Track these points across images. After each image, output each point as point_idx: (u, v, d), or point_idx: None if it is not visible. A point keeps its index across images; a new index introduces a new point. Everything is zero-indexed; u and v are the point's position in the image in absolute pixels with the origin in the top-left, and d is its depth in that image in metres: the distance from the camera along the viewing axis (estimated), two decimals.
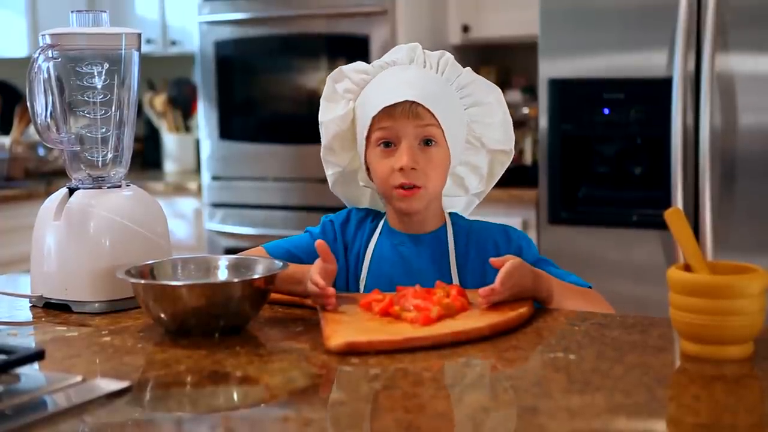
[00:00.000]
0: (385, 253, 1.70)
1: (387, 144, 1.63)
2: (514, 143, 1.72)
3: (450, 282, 1.65)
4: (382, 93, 1.63)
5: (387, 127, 1.61)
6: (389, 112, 1.60)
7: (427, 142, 1.62)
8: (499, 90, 1.71)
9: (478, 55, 3.90)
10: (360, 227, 1.74)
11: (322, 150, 1.73)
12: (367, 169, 1.69)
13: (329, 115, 1.70)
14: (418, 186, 1.61)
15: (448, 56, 1.69)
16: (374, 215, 1.76)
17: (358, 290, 1.69)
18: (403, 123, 1.61)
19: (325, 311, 1.48)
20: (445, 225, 1.71)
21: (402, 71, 1.66)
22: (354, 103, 1.69)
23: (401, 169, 1.60)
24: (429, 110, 1.60)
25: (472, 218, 1.78)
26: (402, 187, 1.61)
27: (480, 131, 1.68)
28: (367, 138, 1.64)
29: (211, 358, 1.33)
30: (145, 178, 4.19)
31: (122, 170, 1.73)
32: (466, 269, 1.67)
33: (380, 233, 1.72)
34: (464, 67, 1.71)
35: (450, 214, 1.74)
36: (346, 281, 1.72)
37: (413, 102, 1.60)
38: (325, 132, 1.71)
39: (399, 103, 1.60)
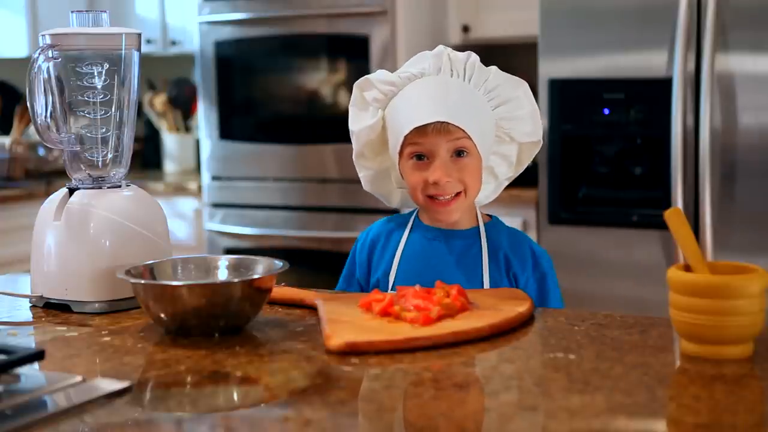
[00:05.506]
0: (417, 247, 1.74)
1: (420, 157, 1.66)
2: (542, 133, 1.74)
3: (479, 280, 1.69)
4: (413, 111, 1.65)
5: (419, 143, 1.65)
6: (421, 129, 1.64)
7: (459, 153, 1.66)
8: (526, 83, 1.73)
9: (478, 55, 3.89)
10: (389, 236, 1.78)
11: (354, 156, 1.77)
12: (401, 175, 1.72)
13: (359, 125, 1.73)
14: (457, 193, 1.66)
15: (474, 59, 1.71)
16: (402, 220, 1.80)
17: (387, 284, 1.72)
18: (434, 139, 1.64)
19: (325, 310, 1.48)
20: (478, 226, 1.74)
21: (430, 86, 1.68)
22: (383, 111, 1.71)
23: (435, 183, 1.64)
24: (459, 126, 1.63)
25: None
26: (437, 197, 1.66)
27: (509, 127, 1.71)
28: (400, 152, 1.67)
29: (211, 358, 1.33)
30: (145, 178, 4.19)
31: (122, 170, 1.73)
32: (497, 271, 1.70)
33: (411, 229, 1.76)
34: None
35: (488, 215, 1.79)
36: (367, 277, 1.78)
37: (443, 121, 1.63)
38: (356, 140, 1.74)
39: (429, 122, 1.63)
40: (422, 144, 1.64)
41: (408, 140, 1.65)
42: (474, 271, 1.70)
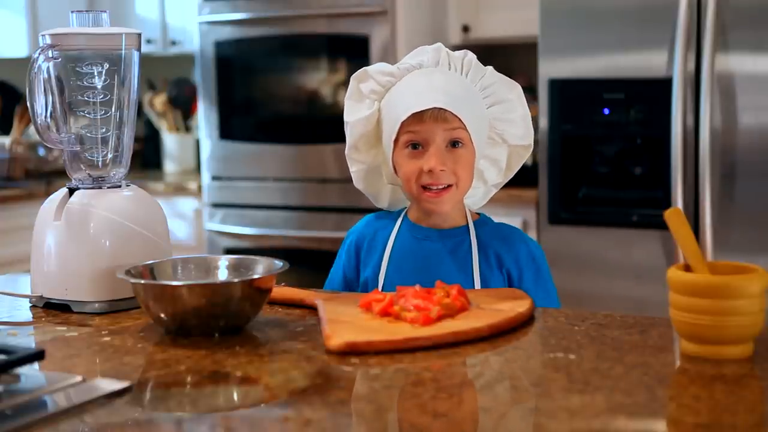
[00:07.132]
0: (406, 246, 1.73)
1: (415, 146, 1.66)
2: (533, 138, 1.75)
3: (470, 278, 1.68)
4: (411, 98, 1.66)
5: (416, 131, 1.65)
6: (418, 116, 1.64)
7: (455, 143, 1.66)
8: (519, 87, 1.75)
9: (478, 55, 3.88)
10: (377, 234, 1.78)
11: (347, 149, 1.76)
12: (394, 168, 1.72)
13: (355, 116, 1.73)
14: (448, 185, 1.65)
15: (471, 56, 1.73)
16: (390, 218, 1.79)
17: (377, 284, 1.72)
18: (431, 127, 1.64)
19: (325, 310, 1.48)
20: (467, 224, 1.74)
21: (429, 75, 1.69)
22: (379, 103, 1.71)
23: (430, 171, 1.63)
24: (456, 115, 1.63)
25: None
26: (430, 188, 1.65)
27: (501, 128, 1.72)
28: (395, 140, 1.67)
29: (211, 358, 1.33)
30: (145, 178, 4.19)
31: (122, 170, 1.73)
32: (488, 268, 1.70)
33: (400, 228, 1.76)
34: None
35: (477, 213, 1.79)
36: (356, 274, 1.77)
37: (441, 107, 1.63)
38: (351, 132, 1.74)
39: (427, 108, 1.63)
40: (418, 132, 1.65)
41: (404, 128, 1.65)
42: (464, 269, 1.70)
